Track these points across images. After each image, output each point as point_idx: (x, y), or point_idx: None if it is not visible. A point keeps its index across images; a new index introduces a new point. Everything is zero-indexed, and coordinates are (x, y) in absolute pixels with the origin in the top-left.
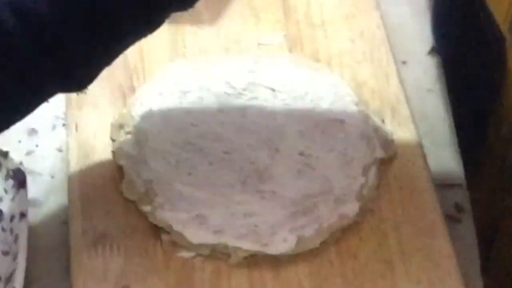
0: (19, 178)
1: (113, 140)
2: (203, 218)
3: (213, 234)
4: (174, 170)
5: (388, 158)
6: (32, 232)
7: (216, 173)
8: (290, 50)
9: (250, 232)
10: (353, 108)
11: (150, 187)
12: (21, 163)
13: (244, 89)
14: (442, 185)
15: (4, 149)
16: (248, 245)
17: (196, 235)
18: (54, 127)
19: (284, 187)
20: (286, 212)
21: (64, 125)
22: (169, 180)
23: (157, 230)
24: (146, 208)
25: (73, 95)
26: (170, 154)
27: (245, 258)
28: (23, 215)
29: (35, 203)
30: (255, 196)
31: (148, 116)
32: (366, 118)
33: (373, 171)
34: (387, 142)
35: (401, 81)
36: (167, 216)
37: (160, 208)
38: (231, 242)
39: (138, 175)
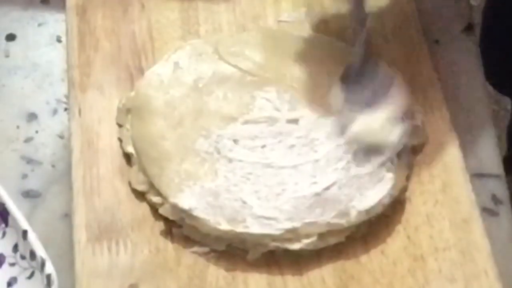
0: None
1: (119, 126)
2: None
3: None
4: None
5: (418, 145)
6: (31, 226)
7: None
8: (313, 28)
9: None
10: None
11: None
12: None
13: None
14: (477, 175)
15: (1, 135)
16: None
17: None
18: (55, 111)
19: None
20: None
21: (66, 109)
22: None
23: (167, 224)
24: (156, 200)
25: (76, 77)
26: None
27: (263, 254)
28: None
29: (34, 194)
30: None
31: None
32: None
33: (402, 159)
34: (417, 128)
35: (433, 62)
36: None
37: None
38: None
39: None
